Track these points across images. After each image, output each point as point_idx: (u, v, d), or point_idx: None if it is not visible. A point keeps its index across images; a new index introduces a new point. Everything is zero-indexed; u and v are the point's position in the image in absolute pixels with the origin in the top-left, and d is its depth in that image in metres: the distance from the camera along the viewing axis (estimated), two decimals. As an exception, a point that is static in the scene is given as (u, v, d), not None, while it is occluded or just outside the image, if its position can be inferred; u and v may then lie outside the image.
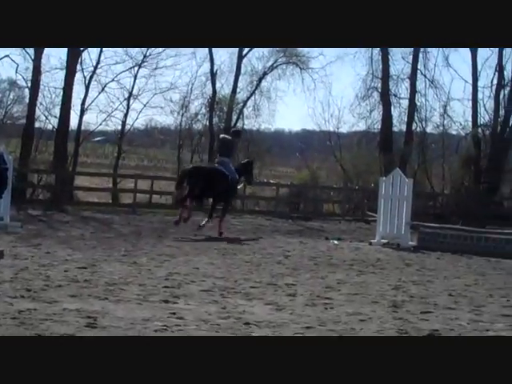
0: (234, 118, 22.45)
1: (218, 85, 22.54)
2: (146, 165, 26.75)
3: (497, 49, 20.68)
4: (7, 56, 19.52)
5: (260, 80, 22.85)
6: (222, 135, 14.21)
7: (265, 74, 22.74)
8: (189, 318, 5.16)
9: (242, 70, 22.54)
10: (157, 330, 4.69)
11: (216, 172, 12.76)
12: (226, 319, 5.20)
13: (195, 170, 13.27)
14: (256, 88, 22.87)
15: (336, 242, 12.44)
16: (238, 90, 22.63)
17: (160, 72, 21.68)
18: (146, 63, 21.45)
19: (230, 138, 13.80)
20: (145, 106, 21.88)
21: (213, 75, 22.22)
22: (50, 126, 20.69)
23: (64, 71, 19.90)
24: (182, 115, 22.33)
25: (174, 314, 5.31)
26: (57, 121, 20.11)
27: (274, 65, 21.91)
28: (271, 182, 22.16)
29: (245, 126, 22.78)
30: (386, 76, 22.76)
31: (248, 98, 22.90)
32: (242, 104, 22.76)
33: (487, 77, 22.47)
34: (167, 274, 7.50)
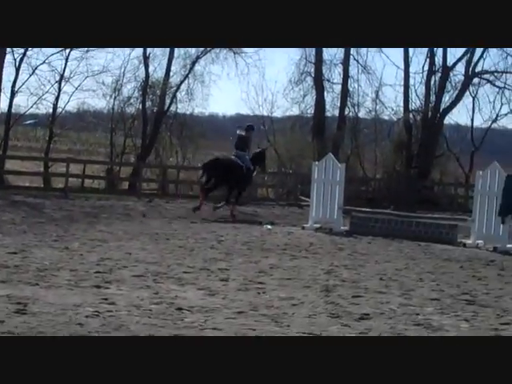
0: (168, 101, 22.21)
1: (151, 68, 22.35)
2: (78, 149, 26.20)
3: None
4: None
5: (193, 64, 22.61)
6: (238, 131, 15.06)
7: (198, 57, 22.51)
8: (121, 304, 5.11)
9: (176, 54, 22.25)
10: (88, 315, 4.63)
11: (232, 163, 14.33)
12: (158, 304, 5.18)
13: (214, 162, 14.65)
14: (189, 72, 22.64)
15: (269, 226, 12.51)
16: (171, 73, 22.40)
17: (92, 54, 21.21)
18: (77, 45, 20.82)
19: (244, 134, 14.92)
20: (76, 88, 21.43)
21: (146, 58, 21.90)
22: (-21, 109, 20.08)
23: (-7, 53, 19.25)
24: (115, 98, 22.04)
25: (106, 299, 5.26)
26: (-14, 103, 19.50)
27: (208, 49, 21.70)
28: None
29: (178, 110, 22.65)
30: (319, 61, 22.93)
31: (181, 82, 22.67)
32: (175, 88, 22.52)
33: (418, 63, 22.97)
34: (99, 260, 7.40)
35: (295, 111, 23.90)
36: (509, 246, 10.52)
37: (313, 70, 23.17)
